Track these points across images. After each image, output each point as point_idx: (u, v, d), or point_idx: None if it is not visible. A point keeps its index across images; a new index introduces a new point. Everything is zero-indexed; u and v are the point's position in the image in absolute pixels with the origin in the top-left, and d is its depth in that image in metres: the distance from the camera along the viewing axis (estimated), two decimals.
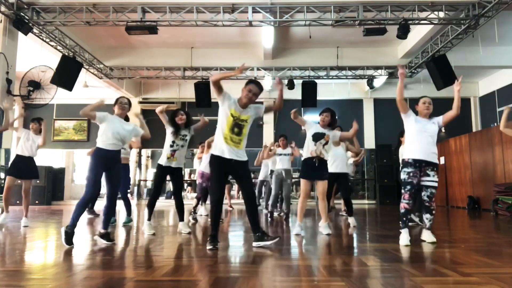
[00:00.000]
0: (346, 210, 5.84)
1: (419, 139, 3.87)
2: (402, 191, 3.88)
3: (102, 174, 3.82)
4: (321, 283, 2.33)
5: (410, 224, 5.62)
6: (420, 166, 3.84)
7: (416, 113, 4.04)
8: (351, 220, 5.54)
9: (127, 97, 4.17)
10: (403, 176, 3.90)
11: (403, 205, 3.86)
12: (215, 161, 3.58)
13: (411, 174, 3.84)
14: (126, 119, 4.24)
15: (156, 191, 4.74)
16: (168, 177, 4.81)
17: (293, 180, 13.39)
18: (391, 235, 4.43)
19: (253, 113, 3.70)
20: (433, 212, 3.90)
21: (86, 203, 3.80)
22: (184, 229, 4.70)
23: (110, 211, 3.89)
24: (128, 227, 5.57)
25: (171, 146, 4.61)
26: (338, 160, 5.64)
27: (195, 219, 6.30)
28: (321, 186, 4.54)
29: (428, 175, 3.84)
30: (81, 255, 3.32)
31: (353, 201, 6.13)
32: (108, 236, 3.84)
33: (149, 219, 4.70)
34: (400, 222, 3.87)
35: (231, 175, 3.72)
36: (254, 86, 3.62)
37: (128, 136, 4.03)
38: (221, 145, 3.58)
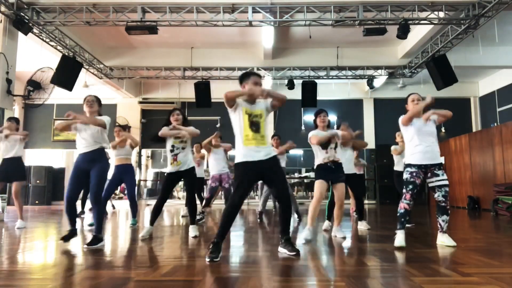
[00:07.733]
0: (357, 213, 5.55)
1: (419, 142, 3.76)
2: (404, 190, 3.77)
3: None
4: (321, 283, 2.33)
5: (408, 226, 5.58)
6: (426, 167, 3.76)
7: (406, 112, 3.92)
8: (363, 224, 5.30)
9: (94, 95, 4.03)
10: (405, 175, 3.80)
11: (403, 205, 3.75)
12: (241, 168, 3.27)
13: (414, 174, 3.75)
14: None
15: (160, 198, 4.45)
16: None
17: (292, 181, 13.46)
18: (391, 235, 4.39)
19: (264, 106, 3.52)
20: (449, 212, 3.78)
21: None
22: (192, 232, 4.50)
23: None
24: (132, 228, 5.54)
25: (171, 151, 4.43)
26: (347, 162, 5.25)
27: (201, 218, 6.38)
28: (340, 189, 4.33)
29: (437, 175, 3.73)
30: (81, 255, 3.32)
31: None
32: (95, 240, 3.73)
33: (150, 224, 4.45)
34: (398, 223, 3.77)
35: (263, 178, 3.42)
36: (256, 77, 3.42)
37: (94, 132, 3.82)
38: (243, 150, 3.29)
